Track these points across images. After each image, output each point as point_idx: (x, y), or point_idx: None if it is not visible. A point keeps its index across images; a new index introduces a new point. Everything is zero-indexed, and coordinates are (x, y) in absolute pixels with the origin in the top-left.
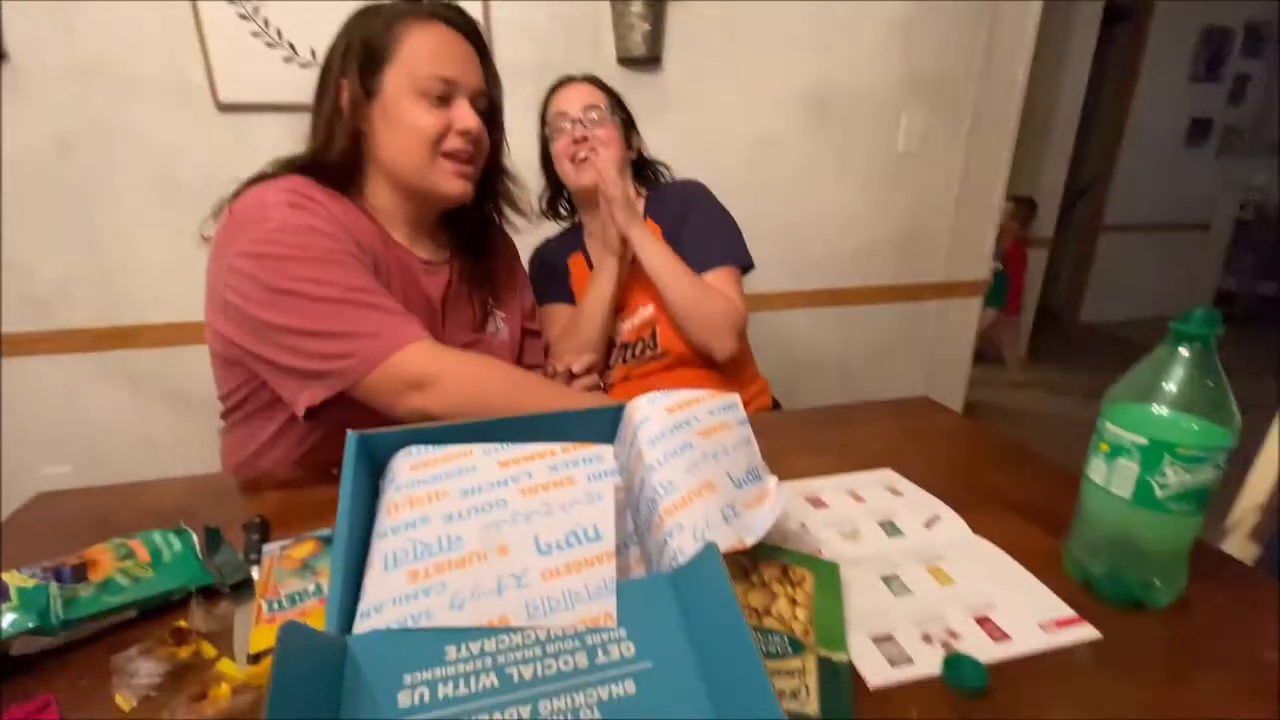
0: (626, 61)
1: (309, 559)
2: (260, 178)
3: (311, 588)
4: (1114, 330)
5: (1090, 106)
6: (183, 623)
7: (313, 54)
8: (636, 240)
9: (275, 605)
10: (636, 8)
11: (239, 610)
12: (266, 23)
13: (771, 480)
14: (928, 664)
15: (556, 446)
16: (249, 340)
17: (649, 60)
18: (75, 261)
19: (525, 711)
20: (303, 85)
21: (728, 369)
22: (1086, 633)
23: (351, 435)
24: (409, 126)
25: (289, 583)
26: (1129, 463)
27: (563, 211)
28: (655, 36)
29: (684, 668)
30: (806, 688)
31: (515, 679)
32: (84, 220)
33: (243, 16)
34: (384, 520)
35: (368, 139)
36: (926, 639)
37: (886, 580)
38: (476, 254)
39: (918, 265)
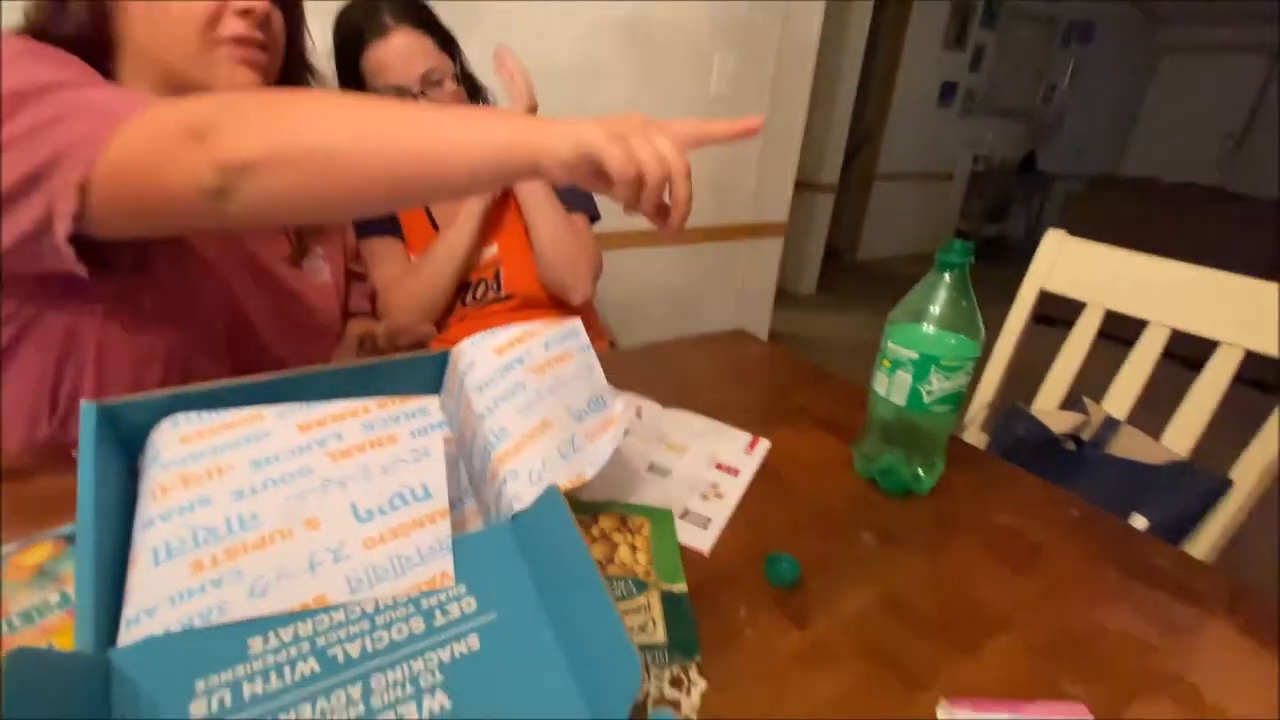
0: None
1: (47, 564)
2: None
3: (55, 599)
4: (883, 266)
5: (867, 67)
6: None
7: None
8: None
9: (6, 626)
10: None
11: None
12: None
13: (618, 403)
14: (719, 517)
15: (371, 402)
16: None
17: None
18: None
19: (356, 692)
20: None
21: (574, 314)
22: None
23: (88, 405)
24: (169, 3)
25: (21, 596)
26: (905, 374)
27: None
28: None
29: (531, 614)
30: (652, 621)
31: (340, 659)
32: None
33: None
34: (149, 506)
35: (114, 17)
36: (704, 497)
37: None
38: None
39: (730, 208)
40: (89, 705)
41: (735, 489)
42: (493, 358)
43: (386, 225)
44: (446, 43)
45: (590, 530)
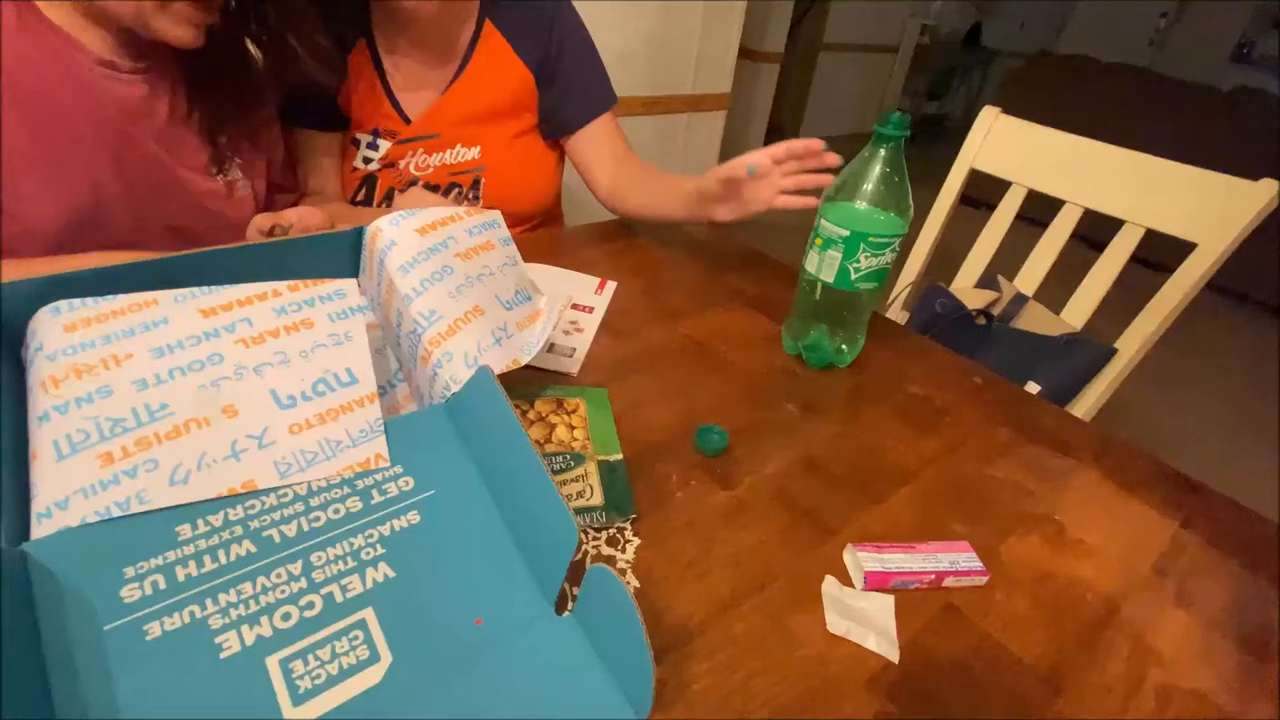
0: None
1: None
2: None
3: None
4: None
5: None
6: None
7: None
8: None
9: None
10: None
11: None
12: None
13: (542, 299)
14: (581, 348)
15: (281, 286)
16: None
17: None
18: None
19: (296, 568)
20: None
21: (549, 221)
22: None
23: None
24: None
25: None
26: (835, 252)
27: None
28: None
29: (471, 489)
30: (590, 488)
31: (277, 540)
32: None
33: None
34: (41, 400)
35: None
36: (566, 333)
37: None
38: (206, 78)
39: (668, 78)
40: (10, 600)
41: (592, 322)
42: (415, 238)
43: (318, 109)
44: None
45: (527, 415)
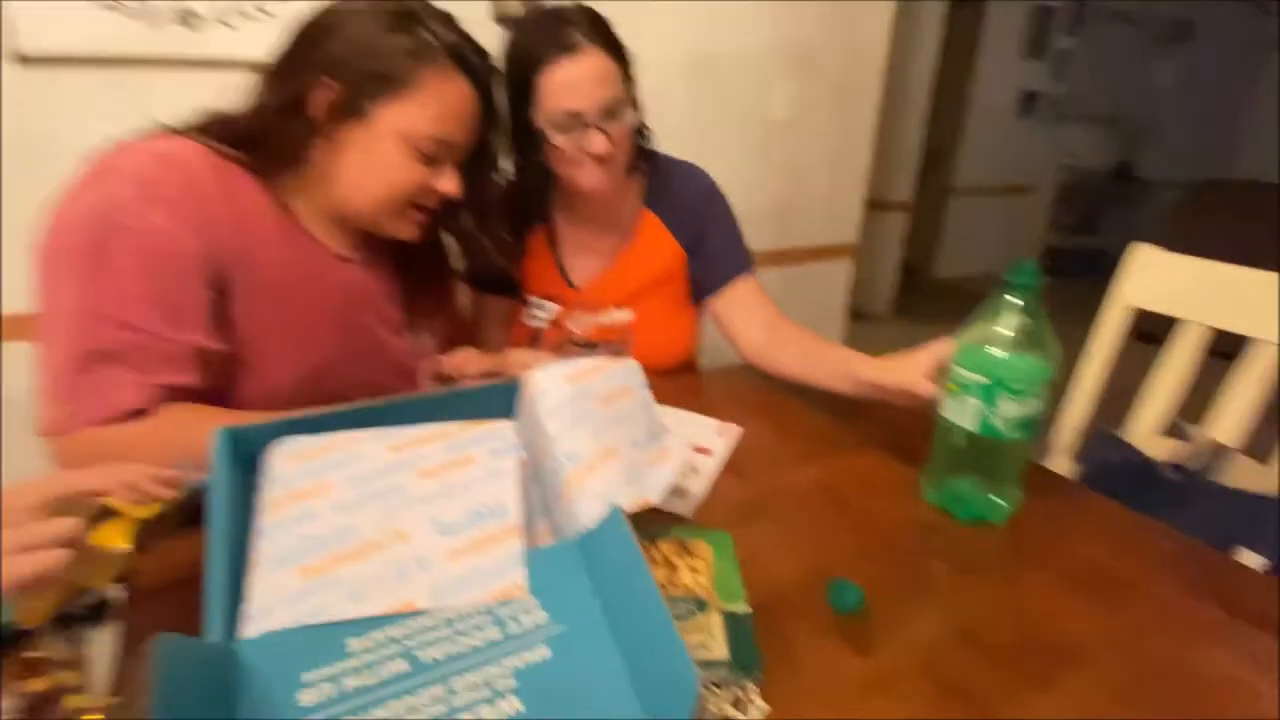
0: (503, 21)
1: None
2: (158, 132)
3: None
4: (964, 284)
5: (940, 80)
6: (33, 653)
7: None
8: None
9: None
10: None
11: (97, 635)
12: None
13: (671, 439)
14: (697, 489)
15: (454, 426)
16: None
17: None
18: None
19: (439, 691)
20: (126, 36)
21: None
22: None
23: (219, 430)
24: (383, 173)
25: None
26: (973, 399)
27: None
28: None
29: (596, 628)
30: (714, 639)
31: (426, 661)
32: None
33: None
34: (264, 518)
35: (323, 147)
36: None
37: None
38: (409, 261)
39: (796, 230)
40: (217, 689)
41: (710, 466)
42: (564, 385)
43: (502, 285)
44: (628, 74)
45: (652, 554)
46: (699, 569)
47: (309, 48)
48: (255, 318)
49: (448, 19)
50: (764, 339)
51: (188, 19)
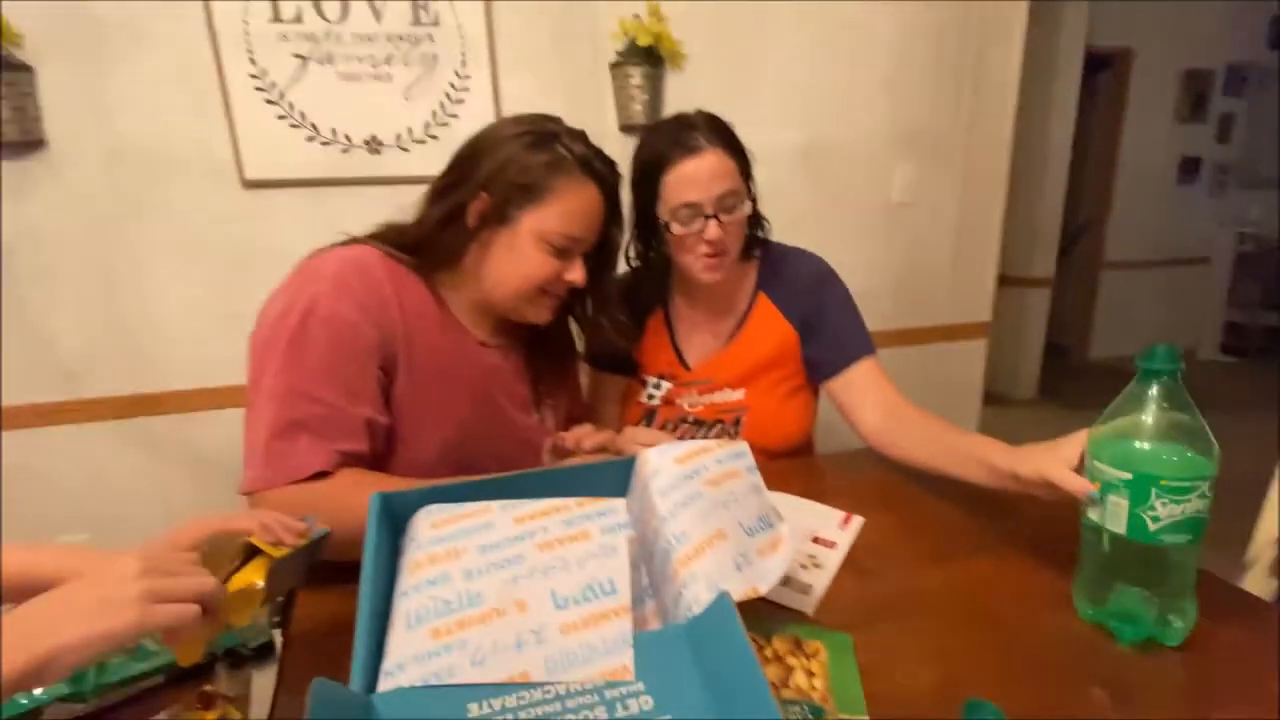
0: (627, 128)
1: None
2: (347, 241)
3: None
4: (1124, 365)
5: (1080, 149)
6: (209, 687)
7: (333, 133)
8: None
9: None
10: (636, 79)
11: (260, 674)
12: (291, 106)
13: (783, 527)
14: (819, 585)
15: (571, 501)
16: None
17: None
18: (100, 333)
19: None
20: (324, 163)
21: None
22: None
23: (375, 496)
24: (522, 266)
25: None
26: (1119, 498)
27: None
28: (654, 104)
29: None
30: None
31: None
32: (110, 294)
33: (269, 101)
34: (406, 579)
35: (475, 248)
36: (804, 567)
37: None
38: (539, 346)
39: (918, 309)
40: None
41: (833, 559)
42: (674, 467)
43: (619, 364)
44: (747, 173)
45: (764, 651)
46: (815, 671)
47: (467, 168)
48: (412, 395)
49: (580, 135)
50: (886, 423)
51: (373, 146)
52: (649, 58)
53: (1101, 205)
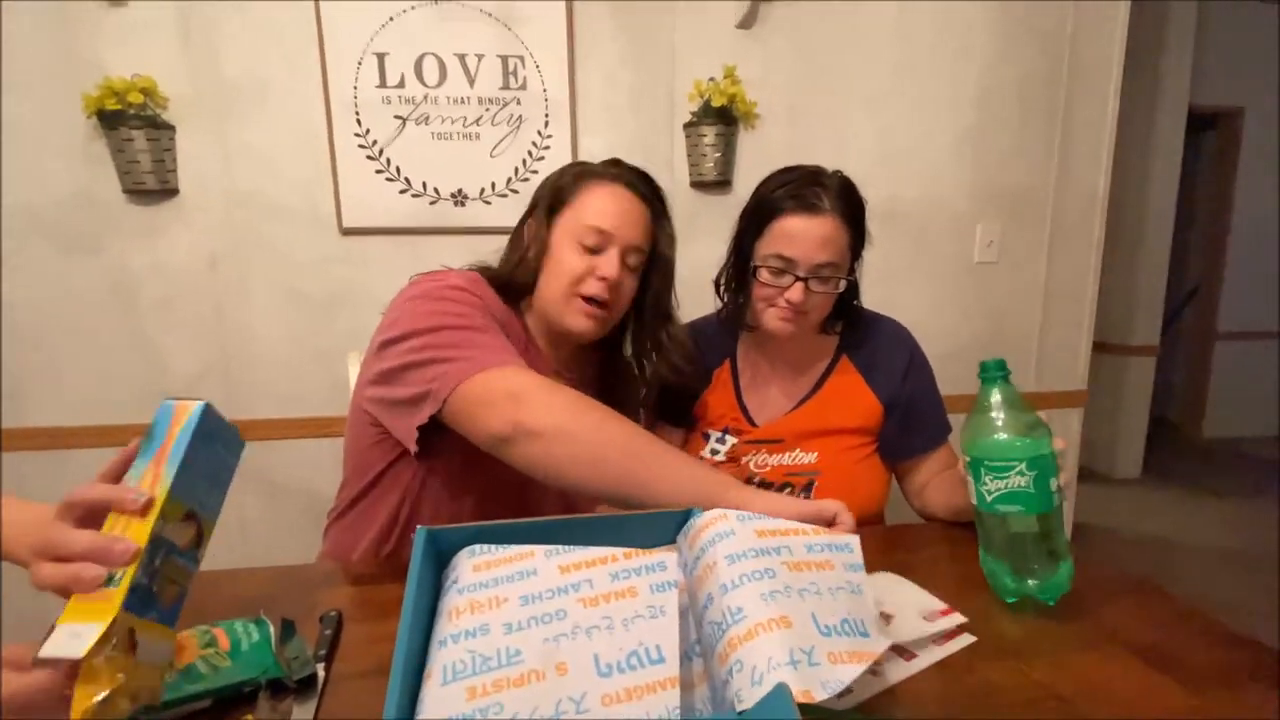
0: (699, 185)
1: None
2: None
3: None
4: (1241, 446)
5: (1186, 211)
6: (250, 716)
7: (424, 186)
8: None
9: None
10: (709, 138)
11: (300, 707)
12: (389, 161)
13: (883, 644)
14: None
15: (619, 552)
16: (378, 385)
17: (721, 183)
18: (206, 360)
19: None
20: (413, 213)
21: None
22: (956, 618)
23: (421, 530)
24: (558, 265)
25: None
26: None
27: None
28: (726, 161)
29: None
30: None
31: None
32: (219, 325)
33: (369, 157)
34: (445, 625)
35: (537, 268)
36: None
37: None
38: (608, 381)
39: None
40: None
41: (896, 674)
42: (753, 538)
43: (680, 413)
44: (857, 252)
45: None
46: None
47: (527, 212)
48: None
49: (616, 161)
50: (936, 499)
51: (458, 199)
52: (723, 117)
53: (1212, 271)
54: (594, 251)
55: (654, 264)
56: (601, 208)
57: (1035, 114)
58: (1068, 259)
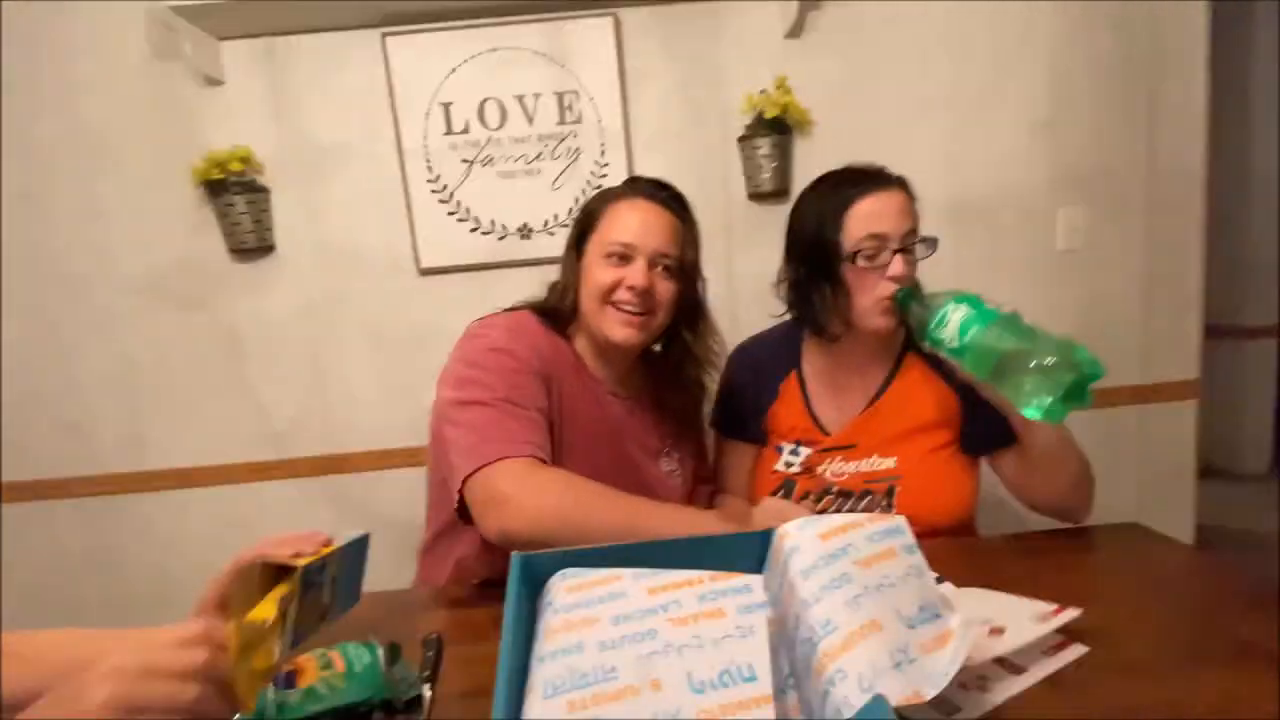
0: (755, 196)
1: None
2: (506, 310)
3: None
4: None
5: None
6: None
7: (492, 223)
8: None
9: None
10: (764, 150)
11: None
12: (459, 203)
13: (954, 618)
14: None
15: (705, 575)
16: (439, 425)
17: (778, 193)
18: (304, 402)
19: None
20: (484, 250)
21: (962, 535)
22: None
23: (516, 556)
24: (591, 280)
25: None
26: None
27: (794, 311)
28: (782, 171)
29: None
30: None
31: None
32: (314, 369)
33: (441, 201)
34: (543, 644)
35: (577, 293)
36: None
37: None
38: (663, 397)
39: (1107, 367)
40: None
41: (1005, 690)
42: (817, 544)
43: (749, 427)
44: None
45: None
46: None
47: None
48: (558, 435)
49: (634, 179)
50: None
51: (524, 233)
52: (776, 127)
53: None
54: (622, 261)
55: (680, 266)
56: (623, 223)
57: (1116, 94)
58: (1168, 240)
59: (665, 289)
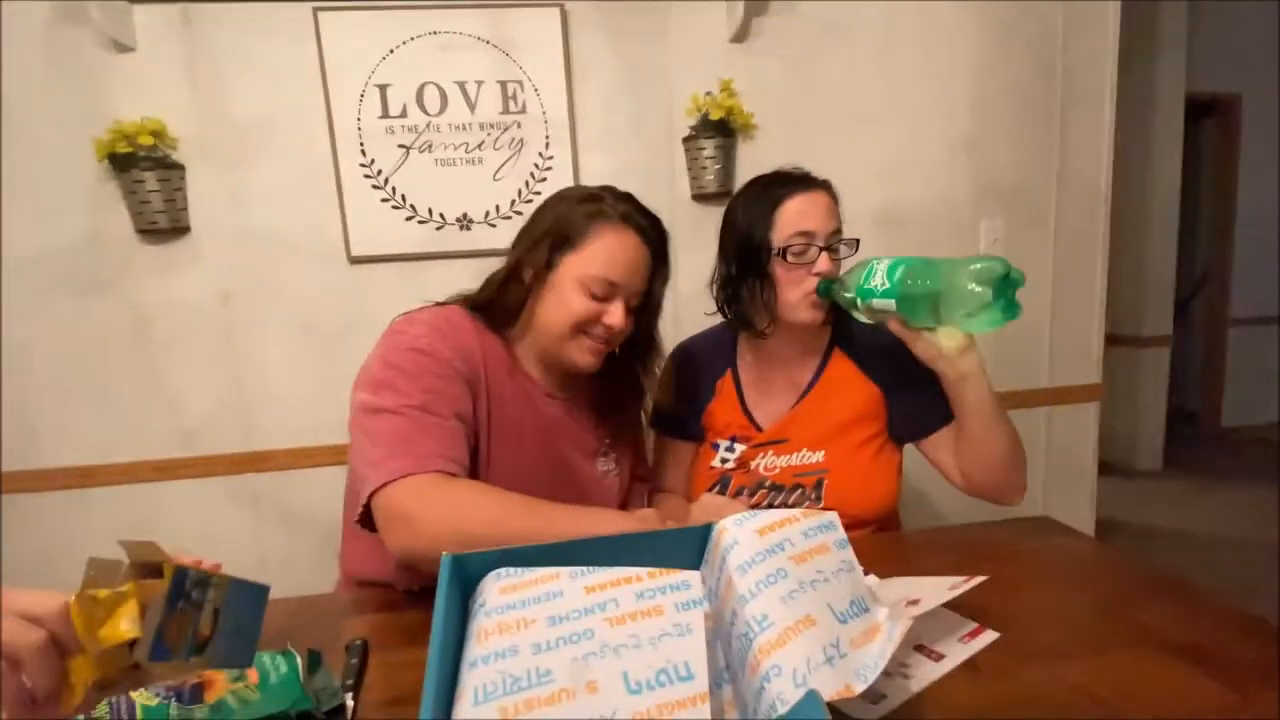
0: (699, 197)
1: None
2: (437, 304)
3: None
4: (1263, 433)
5: (1191, 200)
6: None
7: (429, 212)
8: (973, 373)
9: None
10: (708, 151)
11: None
12: (394, 190)
13: (881, 612)
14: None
15: (643, 572)
16: (352, 429)
17: (722, 194)
18: (220, 396)
19: None
20: (420, 239)
21: (886, 526)
22: (977, 579)
23: (446, 557)
24: (564, 306)
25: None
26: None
27: (727, 314)
28: (726, 172)
29: None
30: None
31: None
32: (231, 360)
33: (375, 186)
34: (474, 648)
35: (531, 299)
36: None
37: None
38: (604, 398)
39: (1019, 372)
40: None
41: (930, 674)
42: (755, 539)
43: (687, 426)
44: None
45: None
46: None
47: (525, 231)
48: (486, 438)
49: (626, 196)
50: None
51: (464, 223)
52: (721, 129)
53: (1221, 258)
54: (599, 298)
55: (646, 302)
56: (612, 258)
57: (1033, 114)
58: (1074, 254)
59: (630, 322)
